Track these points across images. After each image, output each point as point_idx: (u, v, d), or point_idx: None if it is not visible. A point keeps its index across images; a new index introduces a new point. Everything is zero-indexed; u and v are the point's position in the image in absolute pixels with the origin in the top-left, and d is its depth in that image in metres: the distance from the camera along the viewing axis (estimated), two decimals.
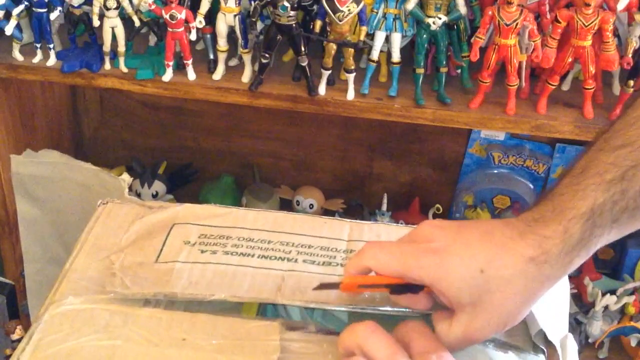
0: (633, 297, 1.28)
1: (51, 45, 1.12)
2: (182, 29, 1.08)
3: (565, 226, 0.56)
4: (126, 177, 0.84)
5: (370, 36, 1.09)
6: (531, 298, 0.57)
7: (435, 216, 1.44)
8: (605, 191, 0.56)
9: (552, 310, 0.64)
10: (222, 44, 1.12)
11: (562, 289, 0.68)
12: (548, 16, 1.08)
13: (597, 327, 1.29)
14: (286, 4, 1.03)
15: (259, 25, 1.12)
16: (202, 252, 0.69)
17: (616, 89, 1.15)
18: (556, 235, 0.56)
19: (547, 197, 0.58)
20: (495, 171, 1.44)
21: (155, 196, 1.41)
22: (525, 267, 0.55)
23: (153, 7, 1.07)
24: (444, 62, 1.10)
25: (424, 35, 1.08)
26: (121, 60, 1.13)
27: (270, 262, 0.68)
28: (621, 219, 0.57)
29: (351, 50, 1.08)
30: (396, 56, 1.10)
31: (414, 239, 0.60)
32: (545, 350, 0.62)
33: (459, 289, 0.56)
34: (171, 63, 1.11)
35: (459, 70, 1.15)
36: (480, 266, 0.56)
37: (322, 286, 0.62)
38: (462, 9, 1.07)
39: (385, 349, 0.54)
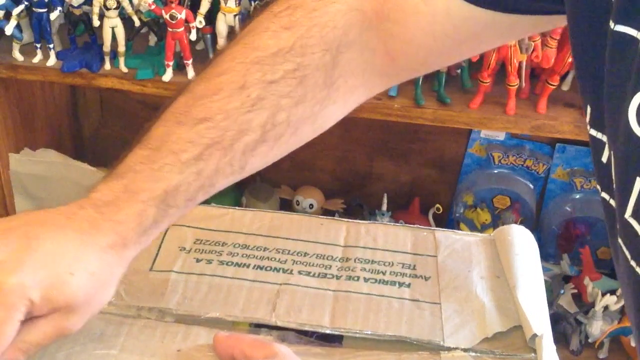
0: None
1: (51, 45, 1.12)
2: (182, 29, 1.08)
3: (139, 209, 0.54)
4: None
5: None
6: (114, 280, 0.55)
7: (435, 216, 1.44)
8: (179, 173, 0.55)
9: (536, 304, 0.65)
10: (222, 44, 1.11)
11: (537, 284, 0.68)
12: None
13: (597, 327, 1.29)
14: None
15: None
16: (198, 261, 0.68)
17: None
18: (131, 220, 0.54)
19: (119, 172, 0.55)
20: (495, 171, 1.44)
21: None
22: (106, 257, 0.54)
23: (153, 7, 1.07)
24: None
25: None
26: (121, 60, 1.13)
27: (266, 274, 0.68)
28: (197, 196, 0.56)
29: None
30: None
31: None
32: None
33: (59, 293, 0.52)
34: (171, 63, 1.11)
35: (459, 70, 1.15)
36: (69, 270, 0.52)
37: None
38: None
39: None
